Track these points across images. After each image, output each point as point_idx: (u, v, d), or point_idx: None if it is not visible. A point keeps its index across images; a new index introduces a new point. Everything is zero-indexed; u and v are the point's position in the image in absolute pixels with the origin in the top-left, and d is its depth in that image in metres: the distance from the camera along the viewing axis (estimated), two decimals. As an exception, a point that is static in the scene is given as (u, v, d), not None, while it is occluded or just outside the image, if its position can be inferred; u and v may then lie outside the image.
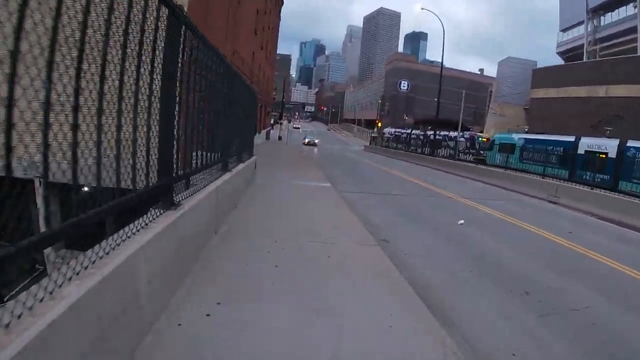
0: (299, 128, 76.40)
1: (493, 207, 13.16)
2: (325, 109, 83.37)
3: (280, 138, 54.16)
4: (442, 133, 45.98)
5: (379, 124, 78.74)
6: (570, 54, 67.23)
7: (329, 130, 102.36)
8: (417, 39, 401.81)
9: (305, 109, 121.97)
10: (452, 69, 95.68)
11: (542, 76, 57.71)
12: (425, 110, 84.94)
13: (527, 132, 35.03)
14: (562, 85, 52.22)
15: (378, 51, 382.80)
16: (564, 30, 70.19)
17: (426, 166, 30.81)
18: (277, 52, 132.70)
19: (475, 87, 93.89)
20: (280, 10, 52.69)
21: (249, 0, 32.26)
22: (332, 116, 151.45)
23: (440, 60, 39.95)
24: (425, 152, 38.16)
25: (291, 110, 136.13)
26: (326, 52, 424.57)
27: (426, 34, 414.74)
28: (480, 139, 40.49)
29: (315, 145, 52.29)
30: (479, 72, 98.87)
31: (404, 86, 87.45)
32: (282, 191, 11.45)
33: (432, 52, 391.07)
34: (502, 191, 19.07)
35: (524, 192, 18.71)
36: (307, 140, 53.52)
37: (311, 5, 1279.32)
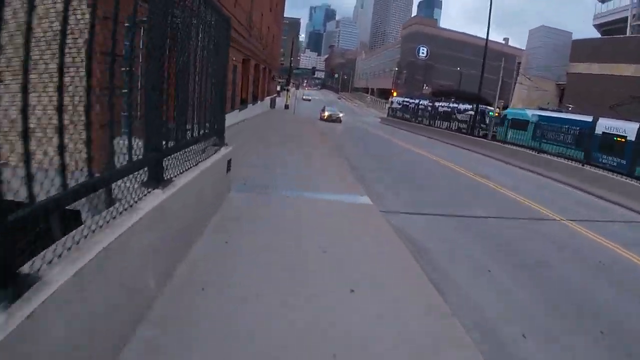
0: (309, 99, 68.63)
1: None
2: (337, 75, 76.71)
3: (287, 107, 48.52)
4: (451, 105, 44.25)
5: (394, 94, 72.34)
6: (610, 27, 60.00)
7: (339, 99, 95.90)
8: (430, 6, 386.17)
9: (316, 75, 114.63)
10: (476, 36, 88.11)
11: (584, 49, 51.08)
12: (445, 79, 78.28)
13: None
14: (608, 61, 45.83)
15: (391, 18, 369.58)
16: (602, 1, 62.75)
17: (466, 148, 26.42)
18: (285, 15, 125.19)
19: (500, 58, 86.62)
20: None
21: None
22: (342, 84, 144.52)
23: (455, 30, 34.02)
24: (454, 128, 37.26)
25: (299, 76, 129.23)
26: (337, 18, 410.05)
27: (440, 1, 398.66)
28: (491, 113, 37.43)
29: (340, 121, 38.05)
30: (503, 42, 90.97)
31: (422, 53, 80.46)
32: (278, 228, 5.54)
33: (446, 21, 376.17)
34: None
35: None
36: (326, 114, 37.90)
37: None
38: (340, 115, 38.86)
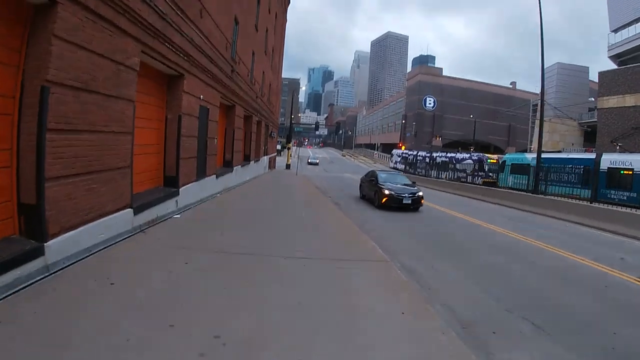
0: (317, 163, 58.96)
1: None
2: (341, 131, 72.48)
3: (288, 167, 42.84)
4: (449, 155, 45.23)
5: (403, 147, 67.44)
6: (627, 57, 55.74)
7: (343, 156, 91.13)
8: (424, 61, 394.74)
9: (319, 131, 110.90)
10: (482, 82, 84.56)
11: (614, 81, 46.03)
12: (454, 129, 73.49)
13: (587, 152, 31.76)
14: (646, 91, 40.94)
15: (387, 75, 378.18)
16: (615, 31, 59.13)
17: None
18: (286, 76, 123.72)
19: (510, 103, 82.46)
20: (286, 10, 42.25)
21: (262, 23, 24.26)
22: (344, 141, 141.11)
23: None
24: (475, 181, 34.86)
25: (301, 134, 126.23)
26: (334, 78, 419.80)
27: (434, 57, 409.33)
28: (488, 160, 38.19)
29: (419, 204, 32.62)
30: (510, 86, 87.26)
31: (429, 104, 76.13)
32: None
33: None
34: None
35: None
36: (392, 193, 16.81)
37: (317, 32, 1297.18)
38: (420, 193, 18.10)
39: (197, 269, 5.63)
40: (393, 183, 16.77)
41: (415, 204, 15.84)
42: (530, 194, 21.22)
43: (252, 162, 23.56)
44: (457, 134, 73.82)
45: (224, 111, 16.35)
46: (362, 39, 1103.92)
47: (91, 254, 5.86)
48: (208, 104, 12.22)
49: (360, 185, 19.85)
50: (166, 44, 8.50)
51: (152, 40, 7.78)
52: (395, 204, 15.44)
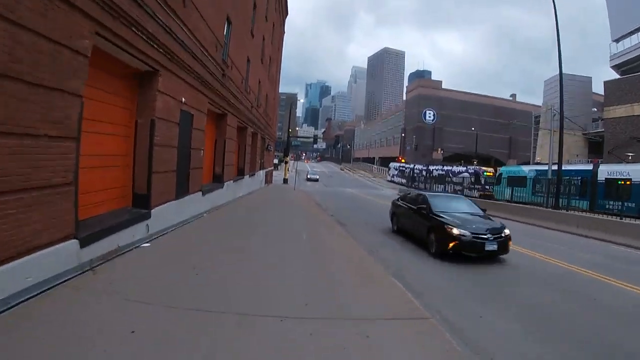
0: (316, 179, 52.45)
1: None
2: (340, 145, 70.82)
3: (285, 181, 41.03)
4: (445, 168, 45.27)
5: (402, 161, 66.00)
6: (629, 66, 54.77)
7: (342, 170, 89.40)
8: (421, 76, 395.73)
9: (317, 144, 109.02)
10: (482, 95, 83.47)
11: (620, 90, 44.78)
12: (455, 142, 72.06)
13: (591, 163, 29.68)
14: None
15: (384, 90, 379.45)
16: (616, 40, 58.31)
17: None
18: (283, 91, 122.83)
19: (511, 115, 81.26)
20: (284, 22, 40.97)
21: (258, 29, 22.58)
22: (342, 155, 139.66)
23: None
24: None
25: (298, 148, 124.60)
26: (332, 93, 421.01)
27: (430, 72, 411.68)
28: (485, 173, 38.56)
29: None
30: (510, 99, 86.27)
31: (429, 117, 74.78)
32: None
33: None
34: None
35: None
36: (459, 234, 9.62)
37: (314, 49, 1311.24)
38: (506, 231, 10.70)
39: (149, 344, 3.70)
40: (458, 213, 10.41)
41: (501, 250, 9.48)
42: (551, 210, 19.55)
43: (246, 177, 21.76)
44: (457, 147, 72.43)
45: (213, 120, 14.62)
46: (359, 54, 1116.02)
47: (5, 309, 4.03)
48: (192, 109, 10.46)
49: (393, 213, 13.62)
50: (134, 28, 6.75)
51: (112, 21, 6.04)
52: (473, 252, 9.26)
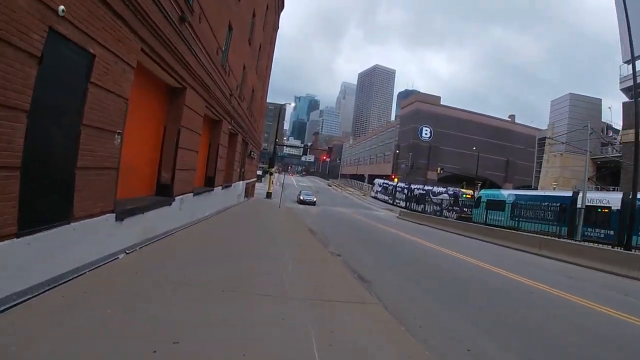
0: (313, 202, 39.08)
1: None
2: (328, 158, 65.76)
3: (269, 195, 35.56)
4: (426, 187, 46.24)
5: (396, 180, 61.20)
6: (641, 89, 50.66)
7: (329, 186, 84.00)
8: (410, 96, 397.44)
9: (306, 157, 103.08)
10: (481, 114, 79.59)
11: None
12: (451, 162, 67.30)
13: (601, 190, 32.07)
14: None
15: (372, 107, 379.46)
16: (627, 62, 54.89)
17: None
18: (272, 101, 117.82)
19: (508, 137, 77.43)
20: (279, 15, 35.99)
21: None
22: (328, 170, 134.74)
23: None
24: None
25: (284, 160, 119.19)
26: (320, 107, 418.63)
27: (419, 92, 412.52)
28: (464, 195, 39.48)
29: None
30: (509, 120, 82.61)
31: (425, 134, 70.35)
32: None
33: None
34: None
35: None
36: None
37: (303, 62, 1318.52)
38: None
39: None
40: None
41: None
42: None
43: (218, 189, 16.28)
44: (453, 167, 67.93)
45: (152, 92, 9.13)
46: (348, 70, 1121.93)
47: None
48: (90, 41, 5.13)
49: None
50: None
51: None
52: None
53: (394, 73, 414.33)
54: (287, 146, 64.36)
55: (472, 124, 74.61)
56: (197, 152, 11.87)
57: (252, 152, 29.50)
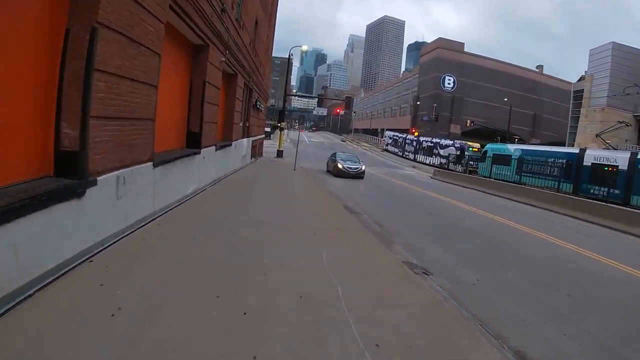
0: (360, 171, 23.27)
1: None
2: (342, 111, 60.03)
3: (280, 154, 30.55)
4: (434, 140, 45.12)
5: (416, 134, 55.68)
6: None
7: (343, 141, 78.19)
8: (419, 48, 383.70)
9: (316, 112, 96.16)
10: (507, 63, 72.32)
11: None
12: (475, 114, 60.97)
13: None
14: None
15: (381, 60, 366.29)
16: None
17: None
18: (277, 56, 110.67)
19: (535, 89, 70.55)
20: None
21: None
22: (340, 126, 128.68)
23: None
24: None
25: (292, 115, 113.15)
26: (327, 62, 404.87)
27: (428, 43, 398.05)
28: (470, 149, 38.01)
29: None
30: (537, 70, 75.24)
31: (449, 84, 63.84)
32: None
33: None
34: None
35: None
36: None
37: (308, 17, 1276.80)
38: None
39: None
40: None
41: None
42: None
43: (209, 150, 11.25)
44: (478, 120, 61.87)
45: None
46: (355, 22, 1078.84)
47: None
48: None
49: None
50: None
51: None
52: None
53: (404, 24, 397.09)
54: (298, 96, 58.60)
55: (499, 73, 67.59)
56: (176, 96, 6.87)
57: (259, 103, 24.20)
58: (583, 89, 54.40)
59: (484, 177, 25.41)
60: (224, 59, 11.61)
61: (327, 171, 24.25)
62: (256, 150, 25.41)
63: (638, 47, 52.36)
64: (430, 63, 67.87)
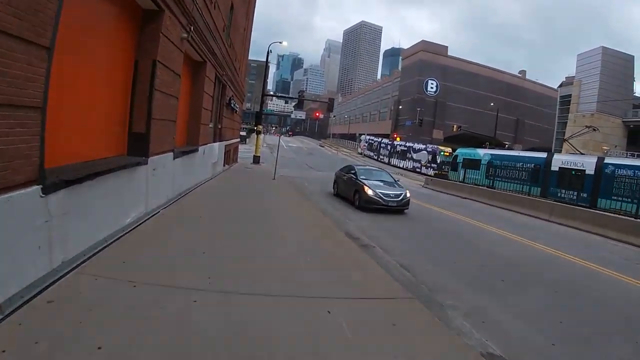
0: (404, 201, 14.10)
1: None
2: (321, 115, 57.44)
3: (257, 160, 27.46)
4: (407, 144, 45.91)
5: (398, 139, 53.56)
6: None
7: (322, 146, 75.24)
8: (396, 54, 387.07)
9: (295, 115, 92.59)
10: (491, 68, 71.04)
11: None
12: (459, 120, 59.27)
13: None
14: None
15: (358, 66, 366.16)
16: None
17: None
18: (254, 59, 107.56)
19: (518, 94, 69.59)
20: None
21: None
22: (317, 130, 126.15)
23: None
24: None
25: (268, 120, 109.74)
26: (304, 66, 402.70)
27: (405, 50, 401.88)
28: (442, 153, 38.50)
29: None
30: (519, 75, 74.42)
31: (432, 88, 61.96)
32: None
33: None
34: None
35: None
36: None
37: (284, 21, 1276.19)
38: None
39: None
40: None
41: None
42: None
43: (165, 158, 8.18)
44: (462, 125, 60.08)
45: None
46: (328, 28, 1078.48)
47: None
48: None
49: None
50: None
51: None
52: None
53: (381, 30, 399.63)
54: (277, 97, 55.04)
55: (482, 78, 66.25)
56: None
57: (234, 102, 21.09)
58: (570, 94, 53.39)
59: (488, 187, 23.80)
60: (186, 35, 8.59)
61: (336, 194, 16.54)
62: (230, 157, 22.31)
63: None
64: (412, 67, 65.85)
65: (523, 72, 75.02)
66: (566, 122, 54.55)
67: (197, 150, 11.42)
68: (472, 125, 58.78)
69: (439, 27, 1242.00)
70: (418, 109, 57.85)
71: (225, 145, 19.32)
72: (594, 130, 29.54)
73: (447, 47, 65.50)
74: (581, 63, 52.15)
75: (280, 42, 32.23)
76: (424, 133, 59.35)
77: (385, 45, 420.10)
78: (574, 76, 54.67)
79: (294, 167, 29.63)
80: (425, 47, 64.78)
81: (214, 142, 15.38)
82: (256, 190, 13.90)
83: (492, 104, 53.03)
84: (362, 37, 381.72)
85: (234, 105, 21.60)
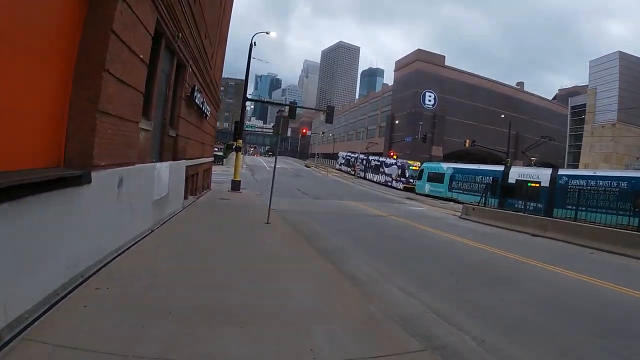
0: None
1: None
2: (308, 132, 51.30)
3: (236, 185, 20.43)
4: (380, 159, 47.80)
5: (395, 156, 47.70)
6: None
7: (308, 167, 68.50)
8: (373, 75, 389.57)
9: (264, 141, 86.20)
10: (490, 80, 65.95)
11: None
12: (458, 136, 53.70)
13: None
14: None
15: (336, 86, 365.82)
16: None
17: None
18: (232, 77, 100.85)
19: (517, 107, 64.62)
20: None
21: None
22: (299, 150, 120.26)
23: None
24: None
25: (246, 141, 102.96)
26: (282, 87, 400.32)
27: (382, 70, 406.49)
28: (411, 167, 39.50)
29: None
30: (518, 87, 69.67)
31: (429, 100, 56.33)
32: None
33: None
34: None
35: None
36: None
37: (260, 43, 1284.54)
38: None
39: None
40: None
41: None
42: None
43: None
44: (460, 141, 54.61)
45: None
46: (305, 48, 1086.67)
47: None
48: None
49: None
50: None
51: None
52: None
53: (358, 50, 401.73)
54: (262, 102, 48.92)
55: (480, 90, 61.11)
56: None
57: (201, 100, 13.99)
58: (584, 104, 48.46)
59: (548, 217, 19.01)
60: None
61: None
62: (198, 183, 15.26)
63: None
64: (407, 78, 60.03)
65: (521, 83, 70.44)
66: (578, 135, 49.40)
67: (88, 179, 4.44)
68: (473, 140, 53.35)
69: (411, 46, 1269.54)
70: (420, 123, 51.80)
71: (189, 167, 12.32)
72: (551, 140, 30.00)
73: (444, 56, 60.19)
74: (594, 70, 47.35)
75: (267, 33, 25.70)
76: (421, 150, 53.40)
77: (362, 65, 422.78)
78: (585, 85, 49.94)
79: (284, 193, 22.39)
80: (420, 56, 59.10)
81: (160, 160, 8.38)
82: (238, 267, 6.69)
83: (502, 116, 47.55)
84: (339, 57, 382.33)
85: (204, 108, 14.60)
